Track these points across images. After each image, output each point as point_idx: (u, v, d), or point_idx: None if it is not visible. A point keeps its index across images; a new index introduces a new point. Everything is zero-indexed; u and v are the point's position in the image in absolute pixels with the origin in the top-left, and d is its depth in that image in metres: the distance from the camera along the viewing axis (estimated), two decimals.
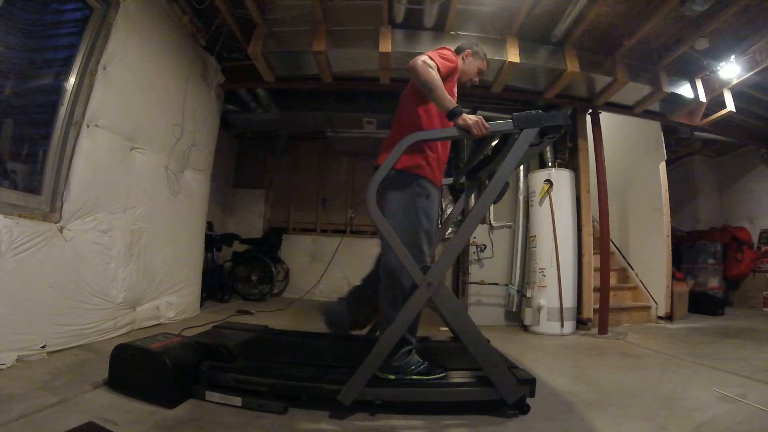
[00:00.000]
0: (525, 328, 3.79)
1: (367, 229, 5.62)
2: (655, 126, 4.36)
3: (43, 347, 2.06)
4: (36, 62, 2.37)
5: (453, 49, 2.09)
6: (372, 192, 1.66)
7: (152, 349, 1.69)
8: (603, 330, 3.58)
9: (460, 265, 4.78)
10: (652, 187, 4.37)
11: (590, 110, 4.02)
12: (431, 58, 1.80)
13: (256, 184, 6.05)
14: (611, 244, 4.21)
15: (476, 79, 2.23)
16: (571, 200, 3.87)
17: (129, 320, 2.73)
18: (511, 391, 1.63)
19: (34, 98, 2.38)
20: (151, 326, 2.93)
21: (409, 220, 1.81)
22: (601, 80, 3.59)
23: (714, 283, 5.17)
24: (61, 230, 2.21)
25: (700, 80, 3.79)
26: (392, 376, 1.75)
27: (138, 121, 2.79)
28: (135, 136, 2.78)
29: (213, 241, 4.58)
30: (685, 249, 5.46)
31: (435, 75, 1.75)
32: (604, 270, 3.74)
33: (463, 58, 2.17)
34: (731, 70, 3.56)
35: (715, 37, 3.24)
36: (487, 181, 2.25)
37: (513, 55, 3.30)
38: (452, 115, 1.69)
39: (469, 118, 1.67)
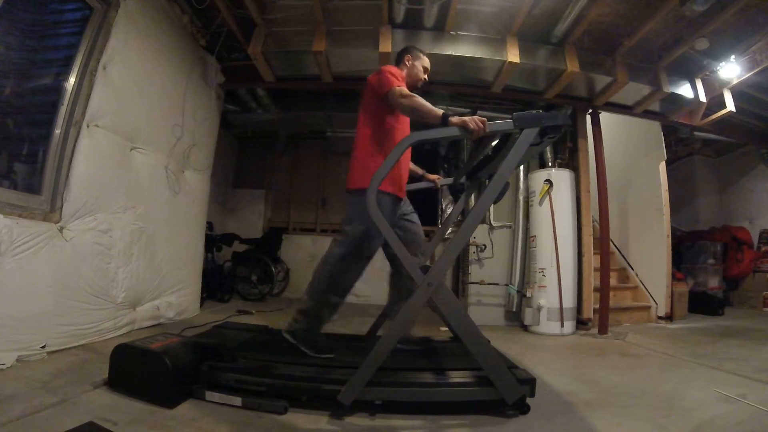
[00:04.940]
0: (525, 328, 3.79)
1: None
2: (655, 126, 4.36)
3: (43, 347, 2.06)
4: (36, 62, 2.37)
5: (394, 63, 2.31)
6: (372, 193, 1.66)
7: (152, 349, 1.69)
8: (603, 330, 3.57)
9: (460, 265, 4.78)
10: (652, 187, 4.37)
11: (590, 110, 4.02)
12: (399, 85, 1.94)
13: (256, 184, 6.05)
14: (611, 244, 4.22)
15: (424, 77, 2.33)
16: (571, 200, 3.87)
17: (129, 320, 2.73)
18: (511, 391, 1.63)
19: (34, 98, 2.38)
20: (151, 326, 2.92)
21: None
22: (601, 80, 3.59)
23: (714, 283, 5.17)
24: (61, 230, 2.21)
25: (700, 80, 3.79)
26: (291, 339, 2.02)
27: (138, 121, 2.79)
28: (135, 136, 2.78)
29: (213, 241, 4.58)
30: (685, 249, 5.46)
31: (416, 99, 1.87)
32: (604, 270, 3.74)
33: (405, 63, 2.28)
34: (731, 70, 3.56)
35: (715, 37, 3.24)
36: (487, 181, 2.26)
37: (513, 55, 3.30)
38: (445, 118, 1.73)
39: (463, 117, 1.71)
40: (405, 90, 1.92)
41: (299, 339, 2.01)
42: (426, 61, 2.32)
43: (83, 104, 2.37)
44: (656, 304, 4.22)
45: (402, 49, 2.38)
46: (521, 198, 4.21)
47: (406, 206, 2.32)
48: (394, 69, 2.10)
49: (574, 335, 3.59)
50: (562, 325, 3.56)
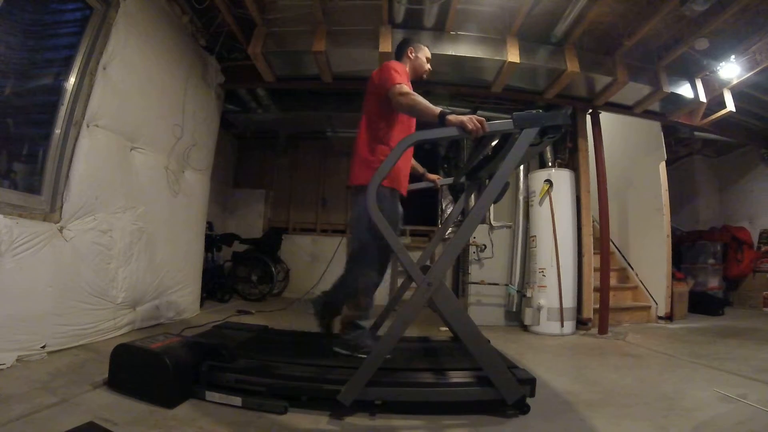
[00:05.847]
0: (525, 328, 3.79)
1: None
2: (655, 126, 4.35)
3: (43, 347, 2.06)
4: (36, 62, 2.37)
5: (395, 57, 2.32)
6: (372, 192, 1.66)
7: (152, 349, 1.69)
8: (603, 330, 3.57)
9: (460, 265, 4.78)
10: (652, 187, 4.37)
11: (590, 110, 4.02)
12: (399, 82, 1.94)
13: (256, 184, 6.05)
14: (611, 244, 4.21)
15: (428, 67, 2.35)
16: (571, 200, 3.87)
17: (129, 320, 2.73)
18: (511, 391, 1.63)
19: (34, 98, 2.38)
20: (151, 326, 2.92)
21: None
22: (601, 80, 3.59)
23: (714, 283, 5.17)
24: (61, 230, 2.21)
25: (700, 80, 3.79)
26: (345, 352, 2.06)
27: (138, 121, 2.79)
28: (135, 136, 2.78)
29: (213, 241, 4.58)
30: (685, 249, 5.46)
31: (413, 97, 1.88)
32: (604, 270, 3.74)
33: (409, 56, 2.28)
34: (731, 70, 3.56)
35: (715, 37, 3.24)
36: (487, 181, 2.26)
37: (513, 55, 3.30)
38: (442, 117, 1.72)
39: (461, 116, 1.71)
40: (405, 87, 1.93)
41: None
42: (427, 52, 2.34)
43: (83, 104, 2.37)
44: (656, 304, 4.22)
45: (402, 41, 2.36)
46: (521, 198, 4.21)
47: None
48: (396, 65, 2.09)
49: (574, 335, 3.59)
50: (562, 325, 3.56)
